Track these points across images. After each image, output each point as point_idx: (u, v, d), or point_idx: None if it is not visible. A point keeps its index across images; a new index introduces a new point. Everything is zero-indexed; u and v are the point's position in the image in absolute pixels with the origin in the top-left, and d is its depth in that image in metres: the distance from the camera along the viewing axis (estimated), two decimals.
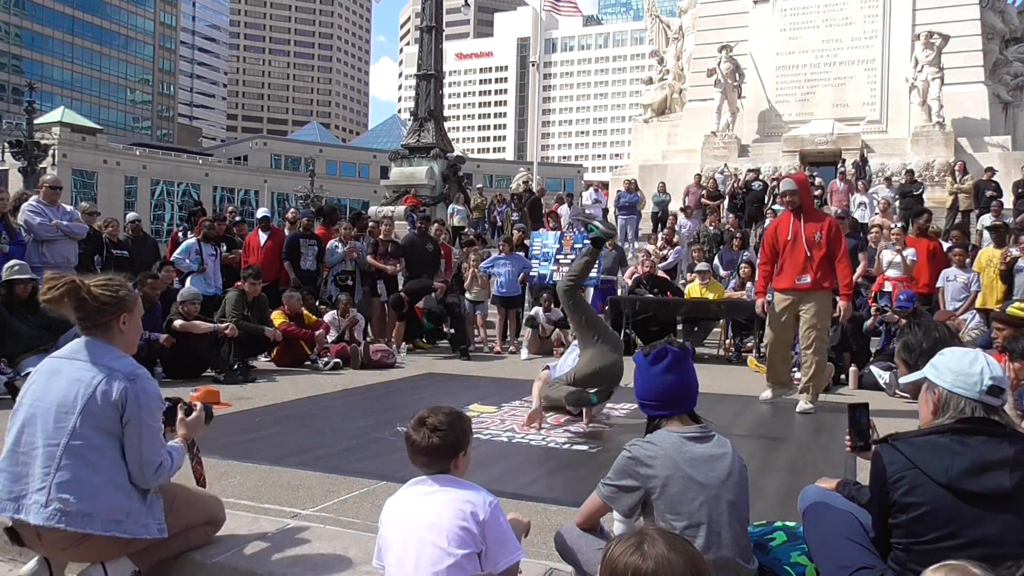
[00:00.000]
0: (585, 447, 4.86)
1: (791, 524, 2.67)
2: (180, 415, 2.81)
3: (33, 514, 2.41)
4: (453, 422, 2.28)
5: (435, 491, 2.21)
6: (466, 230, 17.36)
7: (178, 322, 7.37)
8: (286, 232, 10.76)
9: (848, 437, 2.66)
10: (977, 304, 8.97)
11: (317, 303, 9.68)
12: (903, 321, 7.75)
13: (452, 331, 10.52)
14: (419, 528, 2.15)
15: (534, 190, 21.11)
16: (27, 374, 4.23)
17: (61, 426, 2.45)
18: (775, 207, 15.34)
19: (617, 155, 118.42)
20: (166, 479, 2.65)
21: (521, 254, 11.61)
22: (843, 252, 6.27)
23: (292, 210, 12.50)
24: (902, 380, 2.47)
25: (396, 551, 2.18)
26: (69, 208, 8.06)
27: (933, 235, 10.36)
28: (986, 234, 11.99)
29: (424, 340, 10.74)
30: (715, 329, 10.87)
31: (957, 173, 16.25)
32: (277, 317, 8.44)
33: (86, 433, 2.45)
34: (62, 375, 2.53)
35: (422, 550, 2.11)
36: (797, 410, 6.24)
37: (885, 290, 9.38)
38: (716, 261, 11.95)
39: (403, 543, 2.16)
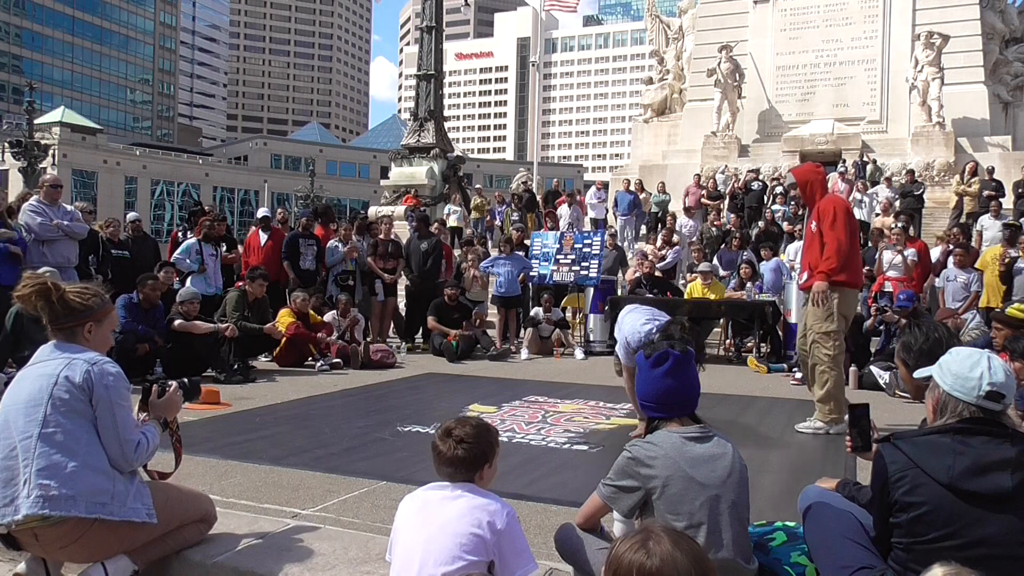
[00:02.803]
0: (585, 447, 4.86)
1: (791, 524, 2.66)
2: (152, 396, 2.83)
3: (22, 509, 2.43)
4: (480, 434, 2.27)
5: (455, 497, 2.21)
6: (466, 231, 17.34)
7: (178, 322, 7.38)
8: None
9: (849, 437, 2.66)
10: (980, 303, 8.97)
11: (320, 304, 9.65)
12: (903, 321, 7.75)
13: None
14: (433, 528, 2.15)
15: (533, 190, 21.10)
16: None
17: (32, 418, 2.49)
18: (774, 207, 15.38)
19: (617, 155, 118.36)
20: (146, 459, 2.68)
21: (521, 254, 11.60)
22: (831, 229, 5.31)
23: (280, 211, 12.51)
24: (916, 374, 2.46)
25: (405, 547, 2.19)
26: (70, 208, 8.04)
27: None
28: (986, 234, 12.00)
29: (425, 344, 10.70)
30: (715, 329, 10.87)
31: (967, 174, 16.13)
32: (285, 316, 8.41)
33: (57, 419, 2.48)
34: (28, 377, 2.60)
35: (430, 548, 2.12)
36: (797, 427, 5.51)
37: (885, 290, 9.38)
38: (715, 261, 11.95)
39: (413, 540, 2.17)
